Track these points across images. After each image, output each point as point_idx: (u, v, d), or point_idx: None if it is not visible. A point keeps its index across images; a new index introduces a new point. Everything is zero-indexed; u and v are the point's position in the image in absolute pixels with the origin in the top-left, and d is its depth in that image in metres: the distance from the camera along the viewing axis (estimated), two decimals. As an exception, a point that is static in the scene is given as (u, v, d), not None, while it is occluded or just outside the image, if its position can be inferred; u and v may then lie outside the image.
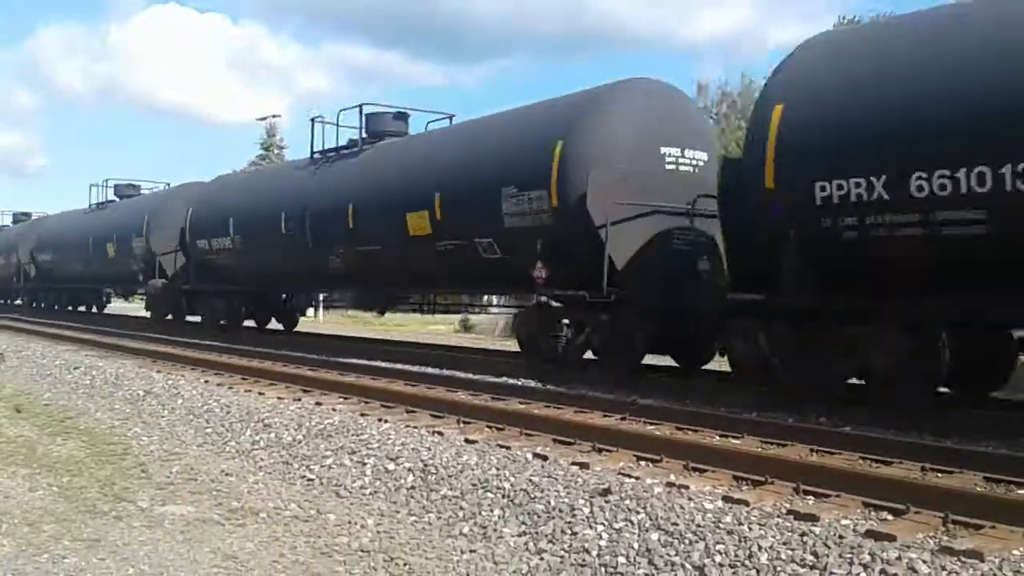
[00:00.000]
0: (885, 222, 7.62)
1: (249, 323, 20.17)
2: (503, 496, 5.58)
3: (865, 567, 4.03)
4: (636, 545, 4.63)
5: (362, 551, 4.95)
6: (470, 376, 11.06)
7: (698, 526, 4.69)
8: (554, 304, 11.65)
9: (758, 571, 4.20)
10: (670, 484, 5.51)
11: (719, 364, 11.25)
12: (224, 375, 11.89)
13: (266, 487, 6.42)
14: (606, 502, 5.18)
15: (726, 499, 5.16)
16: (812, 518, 4.70)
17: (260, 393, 10.18)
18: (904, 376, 7.99)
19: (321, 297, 23.88)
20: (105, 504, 5.90)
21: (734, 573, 4.23)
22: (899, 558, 4.05)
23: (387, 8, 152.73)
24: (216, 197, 19.72)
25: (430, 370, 11.71)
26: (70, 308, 30.63)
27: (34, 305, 32.69)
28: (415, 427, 7.73)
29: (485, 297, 17.95)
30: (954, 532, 4.50)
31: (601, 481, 5.57)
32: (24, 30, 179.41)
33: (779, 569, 4.17)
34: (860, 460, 6.20)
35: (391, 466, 6.48)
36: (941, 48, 7.72)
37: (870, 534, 4.40)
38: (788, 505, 5.05)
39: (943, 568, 3.96)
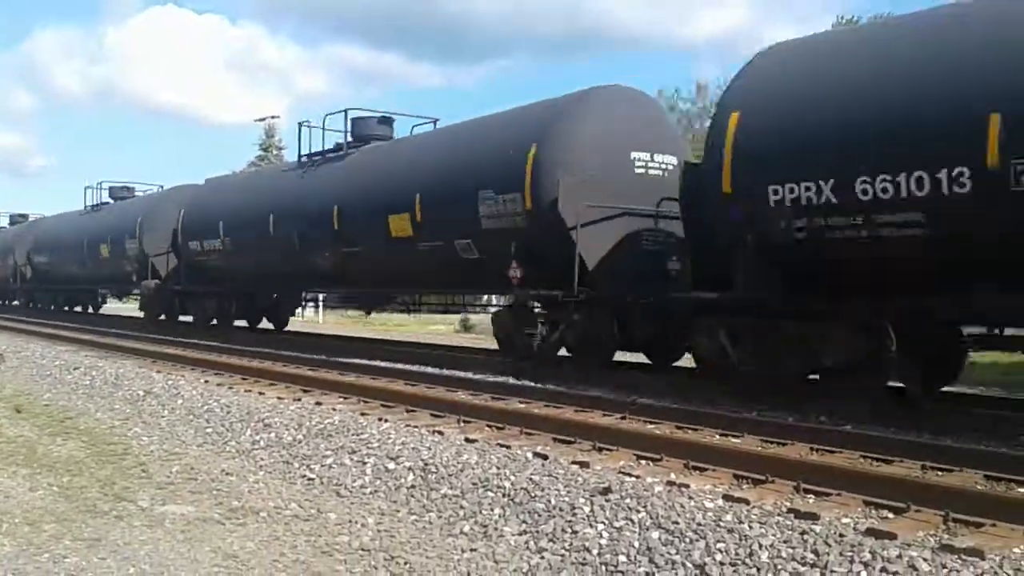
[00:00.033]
0: (834, 224, 7.95)
1: (241, 323, 20.51)
2: (504, 495, 5.58)
3: (866, 565, 4.03)
4: (637, 544, 4.63)
5: (363, 550, 4.95)
6: (470, 375, 11.08)
7: (699, 525, 4.70)
8: (529, 303, 12.07)
9: (759, 569, 4.20)
10: (671, 483, 5.51)
11: (689, 361, 11.44)
12: (224, 375, 11.88)
13: (266, 486, 6.42)
14: (607, 501, 5.18)
15: (727, 498, 5.15)
16: (813, 516, 4.70)
17: (260, 393, 10.18)
18: (855, 371, 8.28)
19: (321, 298, 24.09)
20: (105, 504, 5.90)
21: (735, 572, 4.23)
22: (900, 556, 4.05)
23: (386, 9, 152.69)
24: (207, 200, 20.04)
25: (430, 370, 11.72)
26: (66, 309, 30.84)
27: (31, 305, 33.00)
28: (415, 426, 7.73)
29: (486, 297, 18.01)
30: (955, 530, 4.50)
31: (601, 480, 5.57)
32: (22, 32, 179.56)
33: (780, 567, 4.17)
34: (861, 459, 6.20)
35: (391, 465, 6.48)
36: (881, 58, 8.11)
37: (871, 532, 4.40)
38: (789, 504, 5.05)
39: (944, 566, 3.96)
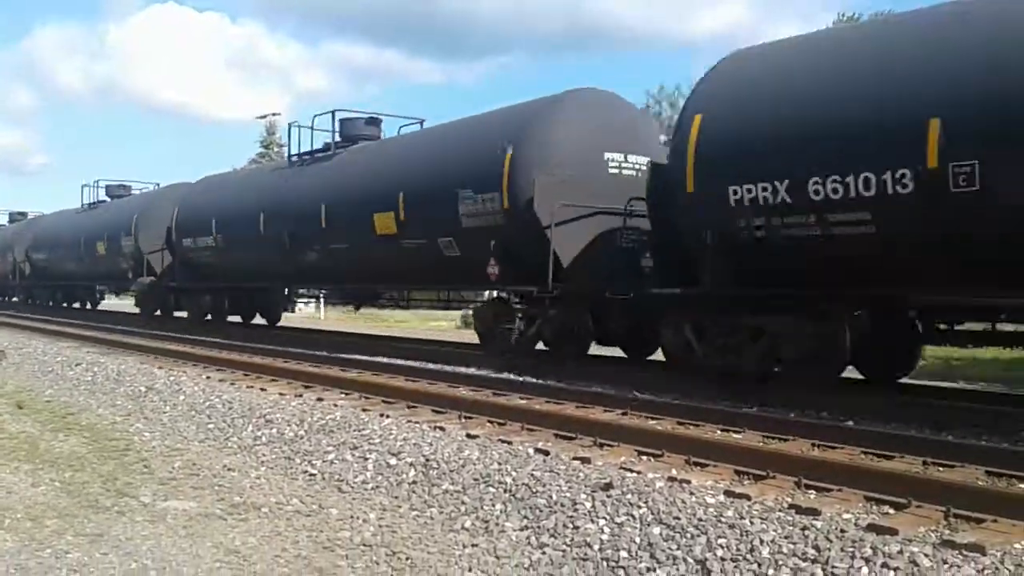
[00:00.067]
0: (790, 223, 8.30)
1: (235, 319, 20.93)
2: (505, 491, 5.59)
3: (867, 561, 4.03)
4: (638, 539, 4.64)
5: (364, 545, 4.96)
6: (471, 371, 11.10)
7: (700, 520, 4.70)
8: (508, 298, 12.57)
9: (760, 565, 4.20)
10: (672, 479, 5.51)
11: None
12: (226, 371, 11.90)
13: (268, 482, 6.43)
14: (608, 496, 5.18)
15: (728, 493, 5.16)
16: (814, 512, 4.71)
17: (262, 389, 10.18)
18: (810, 360, 8.68)
19: (321, 294, 24.24)
20: (108, 499, 5.91)
21: (736, 567, 4.24)
22: (901, 552, 4.06)
23: (387, 6, 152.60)
24: (200, 198, 20.32)
25: (431, 366, 11.74)
26: (65, 305, 31.05)
27: (29, 302, 33.29)
28: (417, 422, 7.74)
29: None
30: (956, 526, 4.50)
31: (603, 476, 5.57)
32: (22, 30, 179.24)
33: (781, 563, 4.18)
34: (862, 454, 6.20)
35: (393, 461, 6.49)
36: (833, 64, 8.44)
37: (872, 528, 4.40)
38: (790, 499, 5.05)
39: (945, 562, 3.96)
